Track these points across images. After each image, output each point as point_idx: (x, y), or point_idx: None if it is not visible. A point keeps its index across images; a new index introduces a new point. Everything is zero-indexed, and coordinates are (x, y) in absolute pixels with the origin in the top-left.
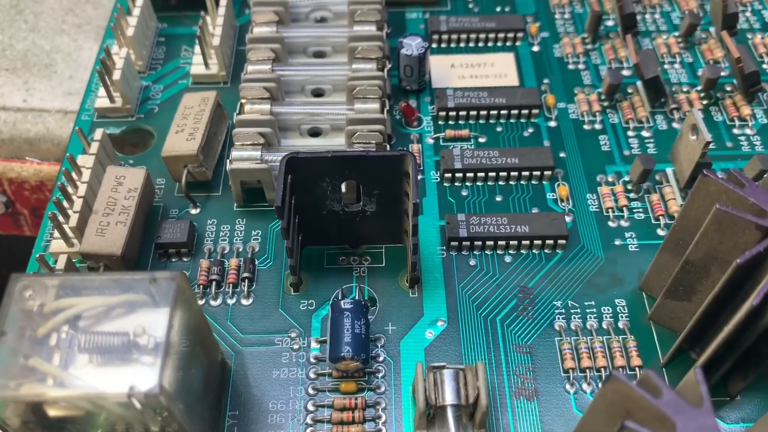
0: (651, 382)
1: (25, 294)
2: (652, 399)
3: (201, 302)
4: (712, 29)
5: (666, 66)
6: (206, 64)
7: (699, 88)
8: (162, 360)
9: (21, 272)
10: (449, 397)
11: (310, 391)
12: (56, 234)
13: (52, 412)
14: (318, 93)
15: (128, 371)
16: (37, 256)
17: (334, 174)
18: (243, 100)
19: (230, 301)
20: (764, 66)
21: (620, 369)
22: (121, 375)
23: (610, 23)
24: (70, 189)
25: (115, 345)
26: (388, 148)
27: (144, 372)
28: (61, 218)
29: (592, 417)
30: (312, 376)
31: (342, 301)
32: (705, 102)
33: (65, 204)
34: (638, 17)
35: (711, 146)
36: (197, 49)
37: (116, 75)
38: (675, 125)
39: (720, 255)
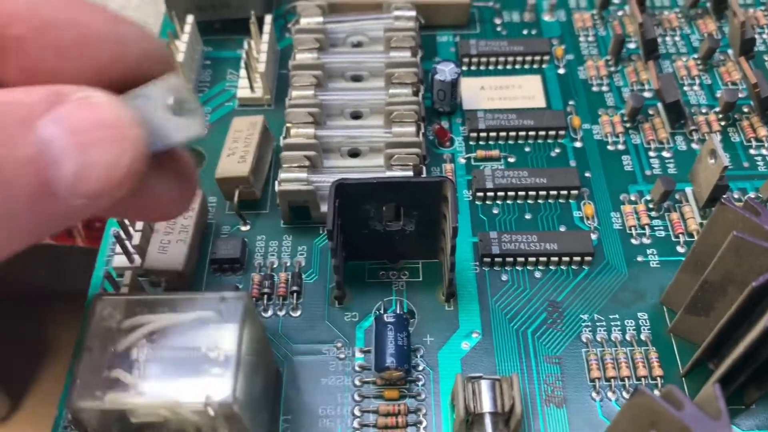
0: (674, 396)
1: (104, 312)
2: (675, 412)
3: None
4: (730, 51)
5: (685, 88)
6: (252, 88)
7: (717, 110)
8: (235, 372)
9: (84, 282)
10: (487, 406)
11: (356, 397)
12: (118, 250)
13: (131, 420)
14: (356, 115)
15: (202, 382)
16: (105, 273)
17: (378, 197)
18: (289, 125)
19: (280, 313)
20: None
21: (642, 379)
22: (196, 386)
23: (632, 46)
24: None
25: (188, 358)
26: (424, 169)
27: (217, 383)
28: (123, 236)
29: (618, 427)
30: (357, 383)
31: (385, 315)
32: (723, 123)
33: (127, 223)
34: (659, 39)
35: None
36: (243, 73)
37: None
38: (694, 146)
39: (737, 277)
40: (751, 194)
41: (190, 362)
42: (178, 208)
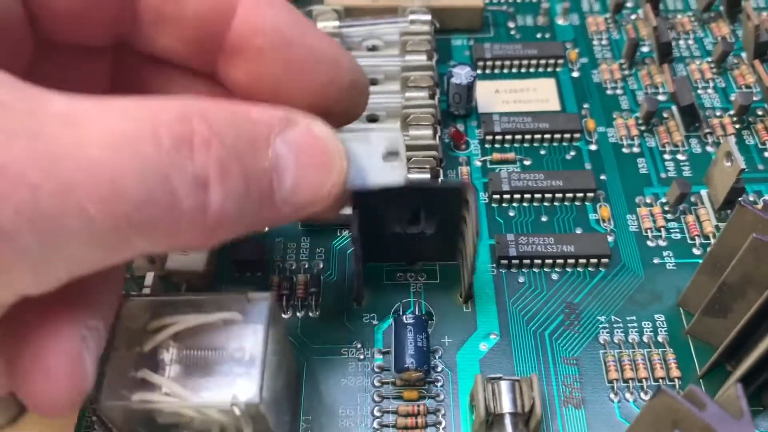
0: (696, 396)
1: (131, 313)
2: (698, 412)
3: None
4: (743, 54)
5: (699, 91)
6: None
7: (732, 113)
8: (260, 372)
9: None
10: (507, 406)
11: (376, 398)
12: None
13: (157, 419)
14: (372, 118)
15: (227, 382)
16: (128, 276)
17: (399, 202)
18: None
19: (299, 314)
20: None
21: (660, 380)
22: (222, 385)
23: (645, 49)
24: None
25: (214, 358)
26: (440, 171)
27: (242, 383)
28: None
29: (639, 427)
30: (377, 384)
31: (404, 316)
32: (737, 126)
33: None
34: (672, 43)
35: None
36: None
37: None
38: (709, 149)
39: (756, 278)
40: (766, 196)
41: (216, 362)
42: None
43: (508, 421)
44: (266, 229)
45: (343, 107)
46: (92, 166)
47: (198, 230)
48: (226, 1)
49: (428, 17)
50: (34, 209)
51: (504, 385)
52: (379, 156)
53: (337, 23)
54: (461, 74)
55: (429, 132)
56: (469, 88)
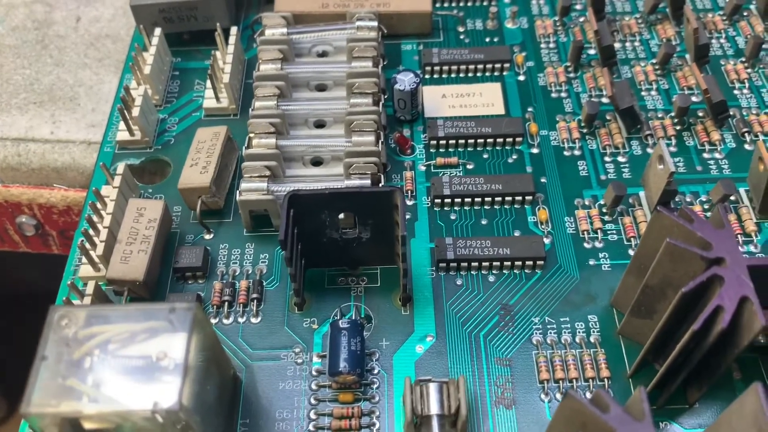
0: (601, 400)
1: (61, 323)
2: (602, 414)
3: (215, 321)
4: (687, 56)
5: (643, 93)
6: (217, 99)
7: (672, 114)
8: (181, 380)
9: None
10: (434, 408)
11: (312, 401)
12: (84, 260)
13: (86, 426)
14: (320, 124)
15: (152, 389)
16: (69, 282)
17: (331, 207)
18: (251, 135)
19: (241, 320)
20: (735, 92)
21: (591, 380)
22: (146, 393)
23: (592, 52)
24: (95, 219)
25: (140, 366)
26: (382, 177)
27: (165, 390)
28: (88, 246)
29: (554, 428)
30: (314, 387)
31: (340, 321)
32: (678, 128)
33: (92, 233)
34: (618, 45)
35: (681, 170)
36: (209, 84)
37: (135, 111)
38: (649, 150)
39: (674, 281)
40: (703, 197)
41: (142, 370)
42: None
43: (435, 422)
44: (212, 234)
45: None
46: None
47: None
48: None
49: (375, 23)
50: None
51: (432, 387)
52: None
53: (285, 30)
54: (404, 80)
55: (371, 138)
56: (413, 93)
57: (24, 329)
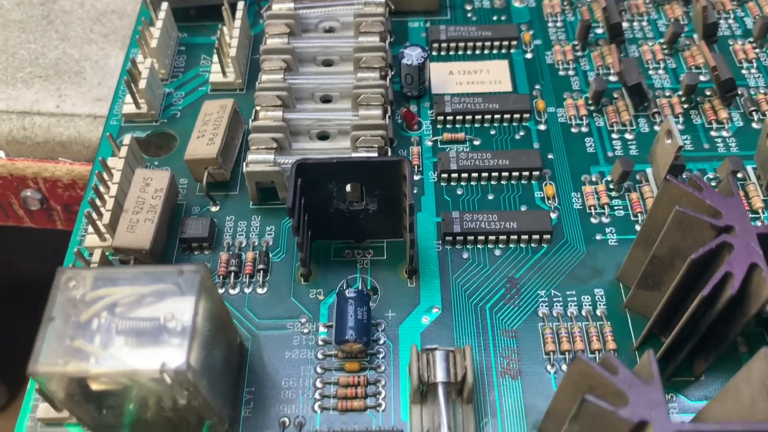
0: (610, 363)
1: (69, 284)
2: (610, 376)
3: (221, 291)
4: (695, 35)
5: (650, 72)
6: (224, 73)
7: (680, 93)
8: (189, 341)
9: (58, 263)
10: (440, 375)
11: (318, 370)
12: (90, 230)
13: (94, 387)
14: (326, 99)
15: (159, 351)
16: (75, 250)
17: (339, 177)
18: (257, 108)
19: (247, 290)
20: (743, 72)
21: (597, 352)
22: (154, 354)
23: (599, 31)
24: (102, 189)
25: (148, 328)
26: (389, 151)
27: (173, 352)
28: (94, 216)
29: (561, 393)
30: (320, 356)
31: (347, 290)
32: (685, 106)
33: (98, 203)
34: (626, 25)
35: (689, 147)
36: (215, 58)
37: (142, 84)
38: (656, 128)
39: (682, 250)
40: (710, 174)
41: (150, 332)
42: None
43: (441, 390)
44: (218, 206)
45: None
46: None
47: None
48: None
49: None
50: None
51: (438, 355)
52: None
53: (292, 5)
54: (412, 55)
55: (378, 112)
56: (420, 69)
57: (24, 319)
